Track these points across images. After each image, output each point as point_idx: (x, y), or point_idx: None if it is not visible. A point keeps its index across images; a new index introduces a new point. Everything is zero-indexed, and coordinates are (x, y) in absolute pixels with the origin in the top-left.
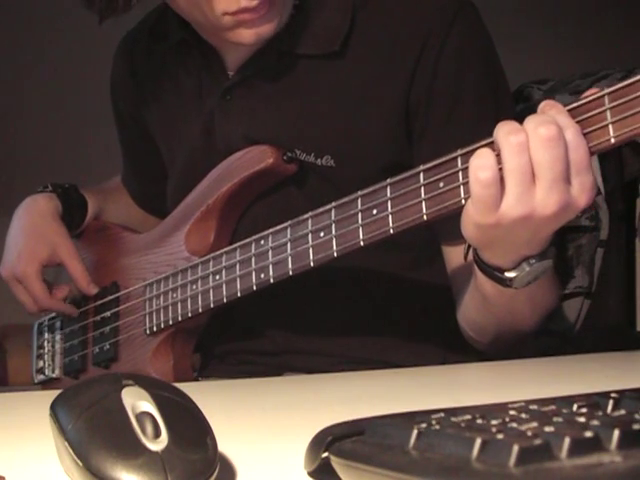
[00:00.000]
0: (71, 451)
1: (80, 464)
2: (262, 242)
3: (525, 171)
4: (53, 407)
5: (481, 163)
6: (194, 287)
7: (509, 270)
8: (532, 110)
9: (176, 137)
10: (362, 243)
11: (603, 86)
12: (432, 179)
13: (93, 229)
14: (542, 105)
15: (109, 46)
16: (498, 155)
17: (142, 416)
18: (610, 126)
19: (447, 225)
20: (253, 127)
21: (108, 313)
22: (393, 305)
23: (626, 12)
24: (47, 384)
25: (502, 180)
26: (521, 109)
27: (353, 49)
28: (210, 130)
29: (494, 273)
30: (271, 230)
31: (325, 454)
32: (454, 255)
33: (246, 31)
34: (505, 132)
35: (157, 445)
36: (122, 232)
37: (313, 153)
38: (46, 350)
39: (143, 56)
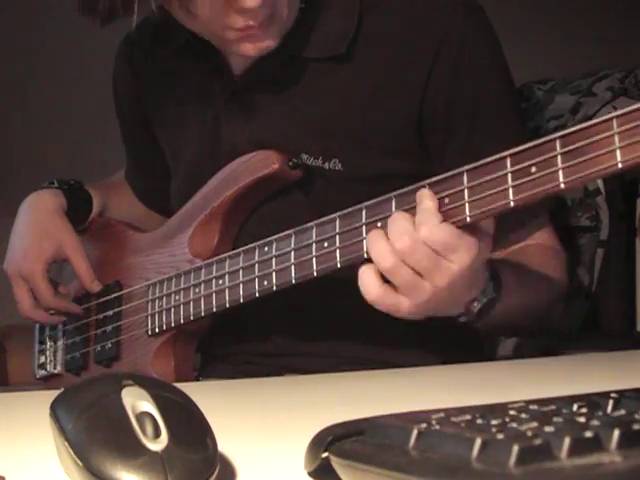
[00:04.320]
0: (71, 451)
1: (80, 464)
2: (266, 249)
3: (409, 279)
4: (53, 407)
5: (367, 291)
6: (197, 291)
7: (461, 316)
8: (533, 109)
9: (181, 138)
10: (366, 256)
11: (603, 86)
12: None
13: (96, 226)
14: (417, 197)
15: (111, 43)
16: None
17: (142, 416)
18: (618, 151)
19: None
20: (259, 131)
21: (110, 312)
22: None
23: (627, 12)
24: (48, 380)
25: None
26: (523, 109)
27: (360, 52)
28: (216, 132)
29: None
30: (275, 237)
31: (325, 454)
32: None
33: (249, 45)
34: (377, 258)
35: (157, 445)
36: (126, 230)
37: (321, 157)
38: (48, 346)
39: (146, 57)
